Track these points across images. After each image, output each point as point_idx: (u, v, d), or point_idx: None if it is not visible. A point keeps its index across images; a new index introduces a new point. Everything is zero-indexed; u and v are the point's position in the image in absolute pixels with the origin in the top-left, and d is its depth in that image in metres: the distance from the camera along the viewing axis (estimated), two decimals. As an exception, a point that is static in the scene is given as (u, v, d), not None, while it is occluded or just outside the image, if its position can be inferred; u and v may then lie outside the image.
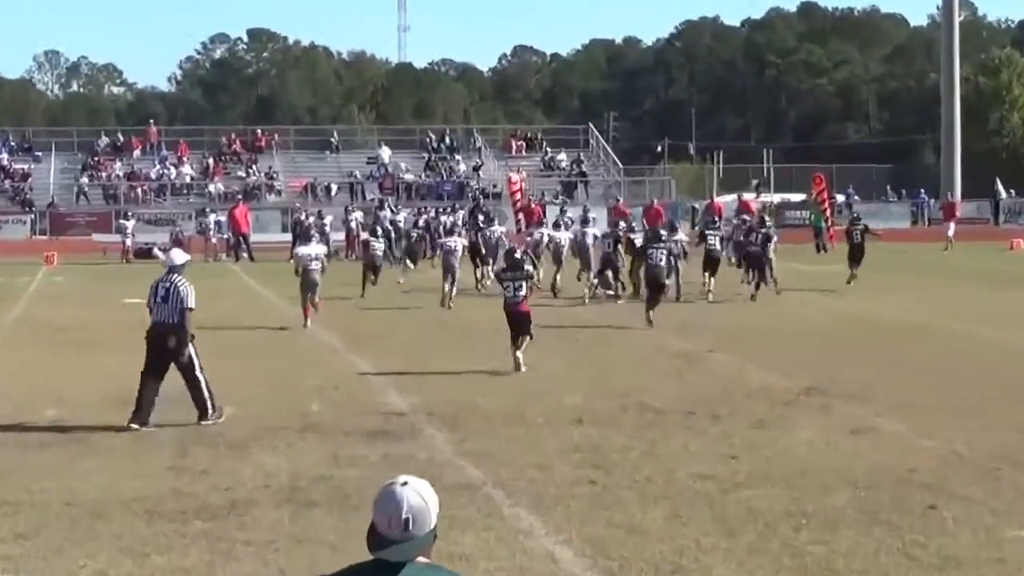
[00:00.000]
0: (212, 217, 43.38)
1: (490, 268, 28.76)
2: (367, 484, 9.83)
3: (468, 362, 16.60)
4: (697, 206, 40.54)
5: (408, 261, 32.11)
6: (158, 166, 55.32)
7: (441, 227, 35.66)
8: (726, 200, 49.04)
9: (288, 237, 41.53)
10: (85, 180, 53.65)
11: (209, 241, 42.30)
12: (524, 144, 61.25)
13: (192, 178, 55.32)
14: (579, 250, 28.03)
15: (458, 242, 26.17)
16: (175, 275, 12.95)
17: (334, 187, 54.79)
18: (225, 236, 43.20)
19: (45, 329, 21.27)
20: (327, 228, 39.41)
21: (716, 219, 29.04)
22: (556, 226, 29.34)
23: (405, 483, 3.88)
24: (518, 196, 43.68)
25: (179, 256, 13.48)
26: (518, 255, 16.92)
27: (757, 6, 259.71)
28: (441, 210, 40.46)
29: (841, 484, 9.84)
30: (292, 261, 23.44)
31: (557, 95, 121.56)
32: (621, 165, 60.91)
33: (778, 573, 7.82)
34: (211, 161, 56.02)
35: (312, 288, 21.58)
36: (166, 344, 12.61)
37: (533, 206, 42.37)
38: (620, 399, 13.70)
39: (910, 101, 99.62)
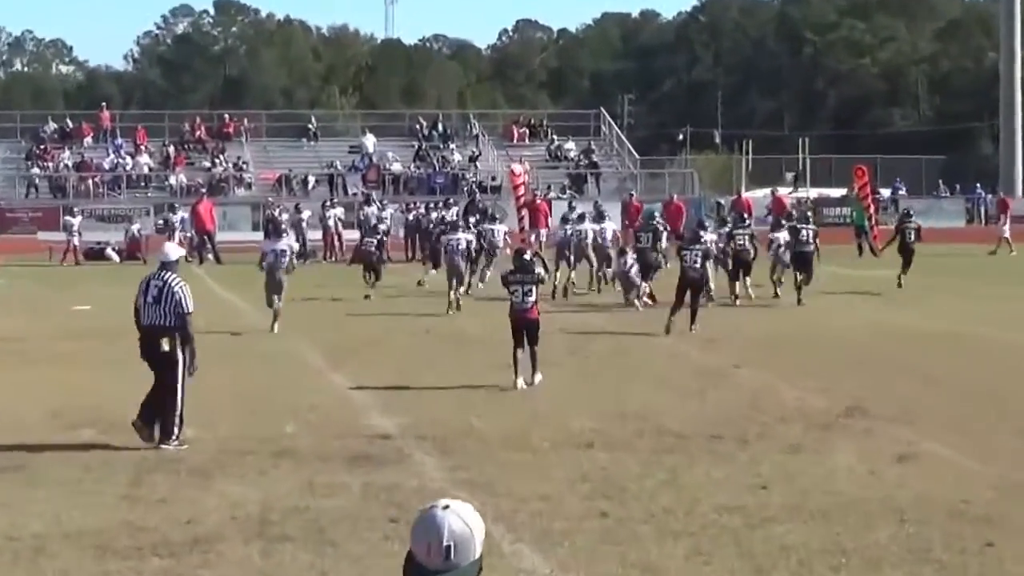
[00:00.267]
0: (180, 214, 43.11)
1: (488, 270, 28.83)
2: (346, 516, 9.84)
3: (463, 377, 16.59)
4: (723, 202, 40.46)
5: (432, 265, 31.43)
6: (112, 155, 55.35)
7: (442, 223, 35.47)
8: (756, 196, 49.12)
9: (260, 236, 41.48)
10: (37, 171, 53.72)
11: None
12: (527, 131, 61.31)
13: (150, 169, 55.36)
14: (597, 247, 28.64)
15: (463, 239, 26.14)
16: (168, 273, 12.95)
17: (311, 179, 54.83)
18: (189, 235, 43.16)
19: (-18, 340, 21.26)
20: (304, 224, 39.42)
21: (745, 217, 29.08)
22: (581, 218, 29.46)
23: (447, 507, 3.93)
24: (521, 191, 43.57)
25: (173, 251, 13.51)
26: (527, 256, 17.03)
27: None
28: (432, 205, 40.39)
29: (885, 517, 9.84)
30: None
31: (565, 76, 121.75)
32: (637, 155, 60.97)
33: (813, 618, 7.83)
34: (172, 150, 56.06)
35: (277, 290, 21.58)
36: (158, 348, 12.61)
37: (539, 202, 42.26)
38: (635, 421, 13.70)
39: (965, 84, 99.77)
